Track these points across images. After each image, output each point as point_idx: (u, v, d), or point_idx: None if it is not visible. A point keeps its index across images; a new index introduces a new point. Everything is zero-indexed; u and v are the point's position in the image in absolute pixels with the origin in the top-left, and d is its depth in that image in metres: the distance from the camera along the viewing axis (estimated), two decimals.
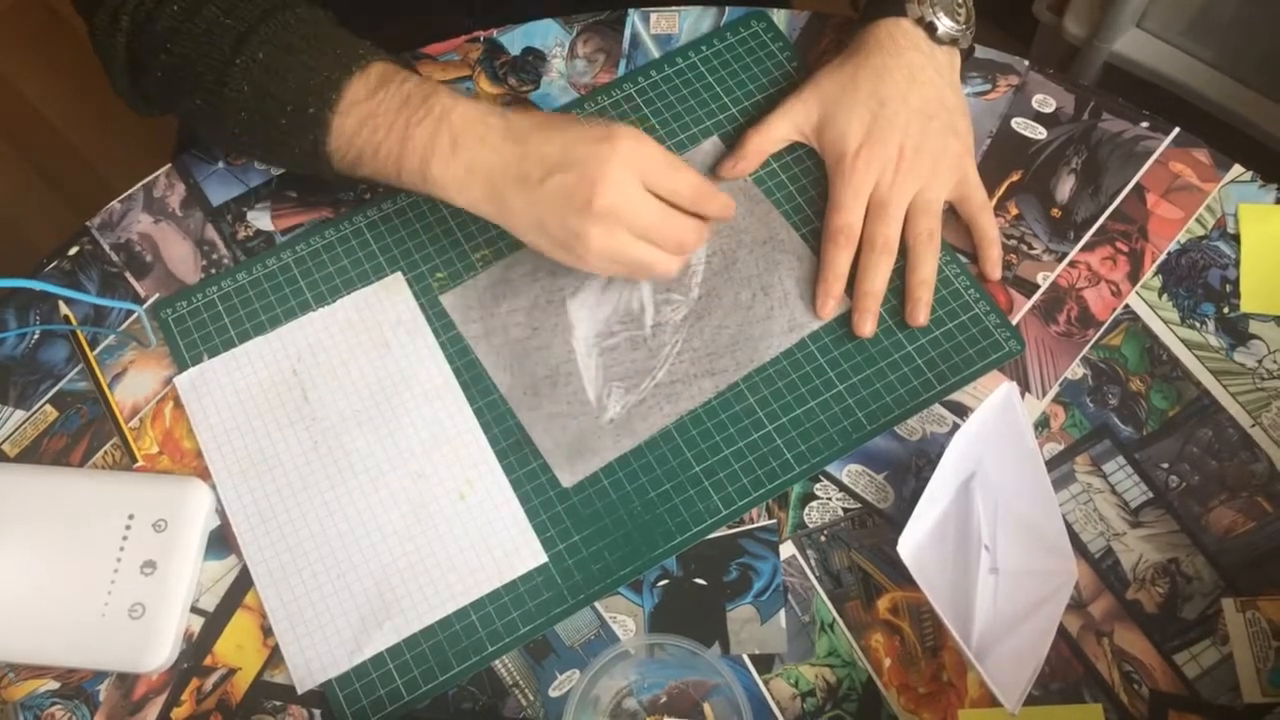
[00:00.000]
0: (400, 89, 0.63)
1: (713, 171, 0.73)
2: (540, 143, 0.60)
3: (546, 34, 0.79)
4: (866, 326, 0.67)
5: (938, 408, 0.66)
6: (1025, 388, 0.67)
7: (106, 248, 0.73)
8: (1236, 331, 0.68)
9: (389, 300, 0.70)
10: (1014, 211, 0.72)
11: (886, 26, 0.70)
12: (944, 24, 0.70)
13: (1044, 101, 0.75)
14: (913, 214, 0.69)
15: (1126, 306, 0.69)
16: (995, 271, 0.69)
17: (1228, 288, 0.69)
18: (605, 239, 0.60)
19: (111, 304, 0.70)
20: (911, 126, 0.69)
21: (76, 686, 0.61)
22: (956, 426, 0.65)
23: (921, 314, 0.68)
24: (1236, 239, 0.70)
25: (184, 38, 0.64)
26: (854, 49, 0.71)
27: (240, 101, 0.64)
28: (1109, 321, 0.68)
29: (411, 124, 0.62)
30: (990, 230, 0.69)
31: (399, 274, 0.70)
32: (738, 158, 0.72)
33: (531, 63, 0.78)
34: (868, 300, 0.67)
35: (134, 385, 0.68)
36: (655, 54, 0.78)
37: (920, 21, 0.70)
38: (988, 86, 0.76)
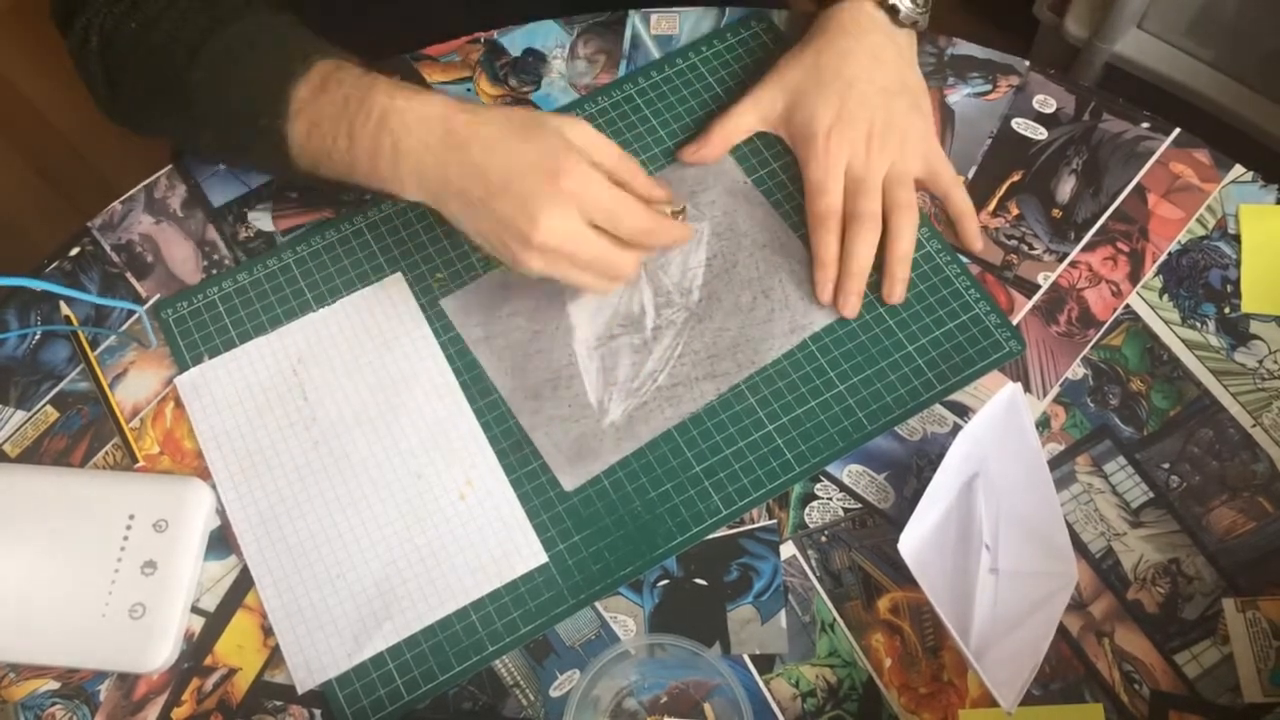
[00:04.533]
0: (340, 91, 0.61)
1: (676, 160, 0.73)
2: (481, 154, 0.58)
3: (547, 35, 0.79)
4: (850, 306, 0.67)
5: (938, 408, 0.66)
6: (1026, 388, 0.66)
7: (107, 248, 0.73)
8: (1237, 332, 0.68)
9: (389, 300, 0.70)
10: (1015, 212, 0.72)
11: (849, 10, 0.71)
12: (905, 6, 0.71)
13: (1045, 102, 0.75)
14: (888, 187, 0.69)
15: (1127, 307, 0.69)
16: (976, 243, 0.70)
17: (1228, 288, 0.69)
18: (542, 265, 0.59)
19: (112, 304, 0.70)
20: (878, 105, 0.70)
21: (77, 686, 0.61)
22: (957, 427, 0.66)
23: (898, 291, 0.68)
24: (1237, 239, 0.70)
25: (142, 58, 0.65)
26: (814, 33, 0.72)
27: (203, 119, 0.64)
28: (1110, 322, 0.68)
29: (356, 126, 0.60)
30: (964, 203, 0.70)
31: (399, 274, 0.70)
32: (701, 144, 0.72)
33: (532, 64, 0.78)
34: (853, 281, 0.67)
35: (135, 385, 0.68)
36: (656, 55, 0.78)
37: (882, 4, 0.71)
38: (988, 87, 0.76)
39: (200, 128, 0.66)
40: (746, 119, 0.72)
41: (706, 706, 0.59)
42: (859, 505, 0.64)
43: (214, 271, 0.72)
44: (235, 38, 0.63)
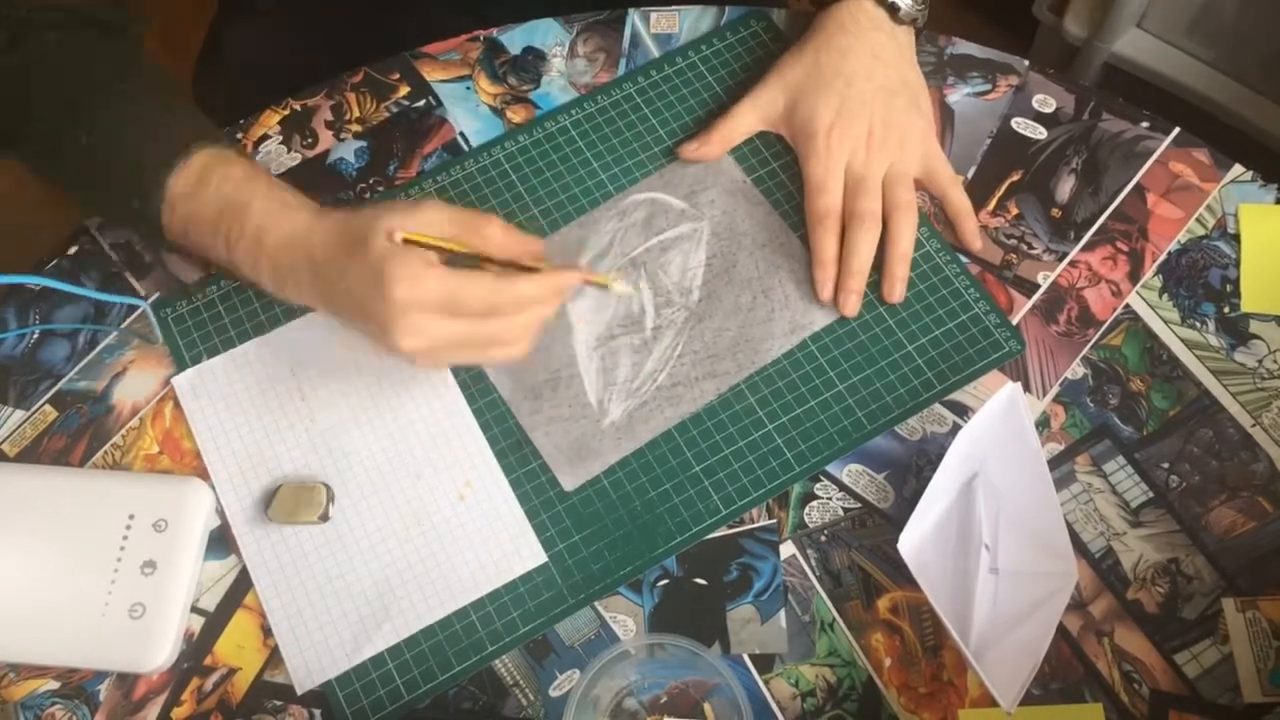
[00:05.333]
0: (218, 192, 0.61)
1: (675, 158, 0.73)
2: (334, 281, 0.58)
3: (546, 33, 0.79)
4: (850, 306, 0.67)
5: (938, 407, 0.66)
6: (1025, 388, 0.66)
7: (106, 247, 0.73)
8: (1237, 331, 0.68)
9: None
10: (1014, 211, 0.72)
11: (848, 8, 0.71)
12: (905, 4, 0.71)
13: (1044, 101, 0.75)
14: (888, 186, 0.69)
15: (1127, 306, 0.69)
16: (975, 242, 0.70)
17: (1228, 287, 0.69)
18: (431, 361, 0.61)
19: (114, 300, 0.69)
20: (877, 104, 0.70)
21: (77, 686, 0.61)
22: (957, 426, 0.66)
23: (898, 290, 0.68)
24: (1237, 239, 0.70)
25: (14, 99, 0.62)
26: (814, 31, 0.72)
27: (73, 179, 0.63)
28: (1109, 321, 0.68)
29: (232, 238, 0.60)
30: (963, 203, 0.70)
31: None
32: (701, 142, 0.72)
33: (531, 62, 0.78)
34: (853, 280, 0.67)
35: (134, 385, 0.68)
36: (655, 53, 0.78)
37: (882, 2, 0.71)
38: (988, 87, 0.76)
39: (72, 188, 0.65)
40: (747, 119, 0.72)
41: (706, 706, 0.59)
42: (859, 505, 0.64)
43: (212, 271, 0.71)
44: (112, 107, 0.62)
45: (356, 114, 0.76)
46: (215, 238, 0.61)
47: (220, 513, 0.65)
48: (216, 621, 0.62)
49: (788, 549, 0.63)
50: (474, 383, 0.67)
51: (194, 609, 0.63)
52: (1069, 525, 0.62)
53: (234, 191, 0.60)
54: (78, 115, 0.61)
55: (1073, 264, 0.70)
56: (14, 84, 0.62)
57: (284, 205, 0.61)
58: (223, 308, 0.70)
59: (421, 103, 0.76)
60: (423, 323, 0.57)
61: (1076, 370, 0.67)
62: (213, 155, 0.61)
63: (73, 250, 0.73)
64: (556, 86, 0.77)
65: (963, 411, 0.66)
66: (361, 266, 0.57)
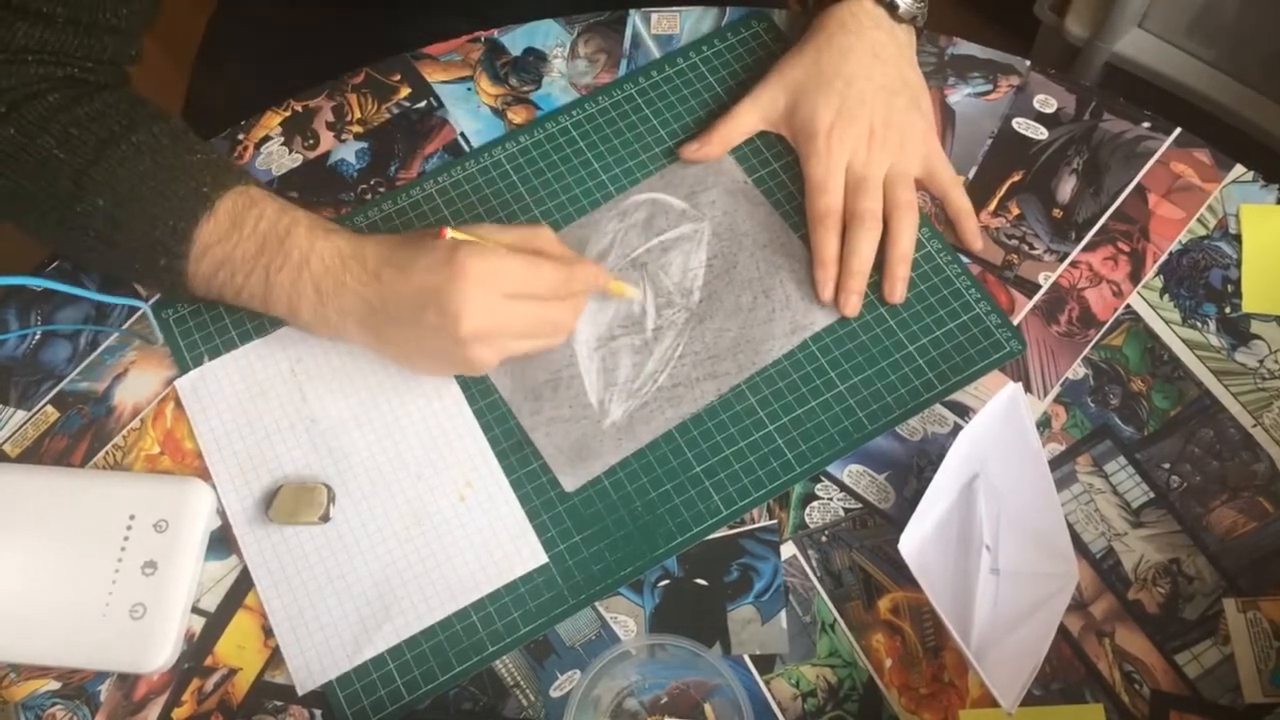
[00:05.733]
0: (255, 230, 0.61)
1: (676, 158, 0.73)
2: (394, 280, 0.60)
3: (547, 34, 0.79)
4: (851, 306, 0.67)
5: (939, 408, 0.66)
6: (1026, 388, 0.66)
7: None
8: (1238, 332, 0.68)
9: None
10: (1015, 211, 0.72)
11: (848, 7, 0.71)
12: (904, 2, 0.71)
13: (1045, 102, 0.75)
14: (889, 186, 0.69)
15: (1128, 307, 0.69)
16: (976, 242, 0.70)
17: (1229, 288, 0.69)
18: (489, 352, 0.61)
19: (115, 300, 0.69)
20: (878, 103, 0.70)
21: (78, 687, 0.61)
22: (958, 427, 0.66)
23: (899, 290, 0.68)
24: (1238, 239, 0.70)
25: (19, 166, 0.61)
26: (814, 31, 0.72)
27: (88, 243, 0.62)
28: (1110, 321, 0.68)
29: (272, 270, 0.61)
30: (963, 203, 0.70)
31: None
32: (702, 142, 0.72)
33: (532, 63, 0.78)
34: (854, 280, 0.67)
35: (135, 385, 0.68)
36: (656, 54, 0.78)
37: (881, 1, 0.71)
38: (989, 87, 0.76)
39: (83, 249, 0.64)
40: (748, 119, 0.72)
41: (707, 707, 0.59)
42: (859, 505, 0.64)
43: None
44: (130, 160, 0.61)
45: (358, 115, 0.76)
46: (250, 276, 0.62)
47: (221, 513, 0.65)
48: (217, 622, 0.62)
49: (788, 549, 0.63)
50: (474, 383, 0.67)
51: (195, 609, 0.63)
52: (1070, 526, 0.62)
53: (272, 226, 0.62)
54: (93, 179, 0.60)
55: (1074, 264, 0.70)
56: (18, 152, 0.61)
57: (328, 230, 0.62)
58: (223, 308, 0.70)
59: (422, 104, 0.76)
60: (492, 304, 0.59)
61: (1077, 370, 0.67)
62: (238, 197, 0.62)
63: None
64: (557, 87, 0.77)
65: (964, 412, 0.66)
66: (431, 254, 0.59)
